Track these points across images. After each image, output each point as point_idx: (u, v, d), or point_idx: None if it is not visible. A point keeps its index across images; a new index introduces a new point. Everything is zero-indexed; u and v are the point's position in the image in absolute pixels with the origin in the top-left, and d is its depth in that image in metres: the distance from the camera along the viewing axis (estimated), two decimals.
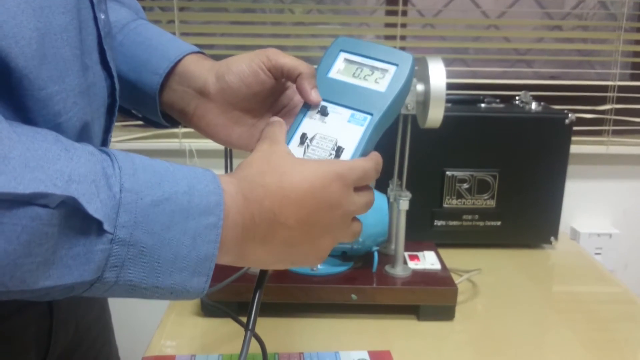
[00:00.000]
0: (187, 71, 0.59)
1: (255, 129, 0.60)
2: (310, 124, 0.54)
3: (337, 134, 0.53)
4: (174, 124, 0.65)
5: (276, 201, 0.45)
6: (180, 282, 0.42)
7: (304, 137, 0.53)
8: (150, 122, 0.66)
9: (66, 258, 0.38)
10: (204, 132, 0.60)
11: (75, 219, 0.37)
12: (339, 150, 0.52)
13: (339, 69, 0.56)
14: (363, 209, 0.51)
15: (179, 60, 0.60)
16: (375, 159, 0.52)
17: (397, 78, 0.55)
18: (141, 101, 0.61)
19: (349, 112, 0.54)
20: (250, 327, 0.51)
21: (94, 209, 0.37)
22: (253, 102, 0.58)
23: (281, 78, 0.58)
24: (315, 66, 0.57)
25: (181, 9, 1.44)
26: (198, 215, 0.42)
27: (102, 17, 0.50)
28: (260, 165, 0.48)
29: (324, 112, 0.55)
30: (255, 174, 0.47)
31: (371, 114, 0.54)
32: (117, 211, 0.38)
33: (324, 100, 0.55)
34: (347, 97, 0.55)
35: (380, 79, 0.55)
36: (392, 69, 0.55)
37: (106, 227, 0.38)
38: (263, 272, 0.53)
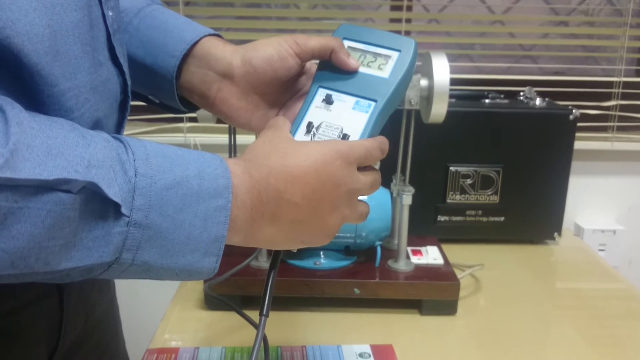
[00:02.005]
0: (207, 53, 0.59)
1: (270, 113, 0.60)
2: (315, 112, 0.55)
3: (342, 122, 0.54)
4: (192, 109, 0.64)
5: (281, 179, 0.47)
6: (192, 263, 0.44)
7: (310, 125, 0.54)
8: (167, 108, 0.66)
9: (86, 240, 0.39)
10: (224, 114, 0.60)
11: (95, 203, 0.39)
12: (344, 138, 0.53)
13: None
14: (369, 189, 0.52)
15: (196, 43, 0.59)
16: (379, 139, 0.52)
17: (400, 63, 0.55)
18: (158, 86, 0.61)
19: (354, 99, 0.55)
20: (264, 313, 0.51)
21: (113, 193, 0.39)
22: (274, 86, 0.59)
23: (312, 59, 0.58)
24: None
25: (187, 4, 1.44)
26: (208, 197, 0.43)
27: (110, 14, 0.50)
28: (263, 148, 0.49)
29: (328, 101, 0.55)
30: (259, 156, 0.48)
31: (375, 101, 0.54)
32: (133, 195, 0.40)
33: (329, 88, 0.56)
34: (351, 84, 0.55)
35: (384, 65, 0.56)
36: (394, 54, 0.56)
37: (123, 210, 0.39)
38: (276, 253, 0.54)
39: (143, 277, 0.44)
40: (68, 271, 0.40)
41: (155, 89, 0.62)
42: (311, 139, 0.53)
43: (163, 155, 0.42)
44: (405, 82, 0.56)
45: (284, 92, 0.61)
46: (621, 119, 1.48)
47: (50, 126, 0.38)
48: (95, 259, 0.40)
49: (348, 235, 0.97)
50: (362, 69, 0.56)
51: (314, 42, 0.57)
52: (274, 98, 0.60)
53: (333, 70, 0.56)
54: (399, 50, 0.56)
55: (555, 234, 1.25)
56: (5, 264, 0.36)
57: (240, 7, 1.47)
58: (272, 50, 0.57)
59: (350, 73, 0.56)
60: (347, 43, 0.57)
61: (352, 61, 0.56)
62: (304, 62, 0.58)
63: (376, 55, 0.56)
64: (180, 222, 0.42)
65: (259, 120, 0.60)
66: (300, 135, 0.54)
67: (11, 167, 0.34)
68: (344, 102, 0.55)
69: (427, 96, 0.88)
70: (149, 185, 0.40)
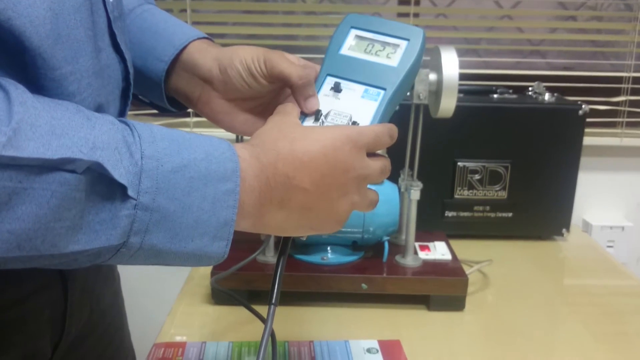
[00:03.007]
0: (192, 58, 0.60)
1: (259, 116, 0.60)
2: (324, 100, 0.55)
3: (351, 110, 0.53)
4: (181, 108, 0.65)
5: (289, 164, 0.46)
6: (201, 247, 0.43)
7: (318, 113, 0.54)
8: (157, 108, 0.67)
9: (93, 223, 0.39)
10: (208, 117, 0.61)
11: (101, 185, 0.39)
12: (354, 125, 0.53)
13: (351, 46, 0.57)
14: (378, 175, 0.51)
15: (185, 47, 0.60)
16: (388, 125, 0.52)
17: (409, 52, 0.55)
18: (147, 87, 0.62)
19: (362, 87, 0.55)
20: (273, 302, 0.51)
21: (118, 175, 0.38)
22: (256, 94, 0.59)
23: (278, 84, 0.57)
24: (318, 65, 0.57)
25: None
26: (216, 181, 0.43)
27: (111, 0, 0.50)
28: (271, 133, 0.49)
29: (337, 89, 0.55)
30: (267, 141, 0.48)
31: (384, 89, 0.54)
32: (140, 177, 0.39)
33: (337, 76, 0.55)
34: (360, 73, 0.55)
35: (392, 54, 0.55)
36: (403, 43, 0.56)
37: (130, 192, 0.39)
38: (285, 240, 0.53)
39: (152, 263, 0.43)
40: (76, 255, 0.39)
41: (145, 90, 0.63)
42: None
43: (170, 139, 0.42)
44: (413, 70, 0.56)
45: (273, 98, 0.60)
46: (630, 114, 1.47)
47: (55, 107, 0.38)
48: (103, 242, 0.39)
49: (356, 230, 0.97)
50: (370, 58, 0.56)
51: (282, 68, 0.55)
52: (258, 104, 0.60)
53: (341, 59, 0.56)
54: (407, 39, 0.56)
55: (564, 230, 1.24)
56: (11, 245, 0.35)
57: (246, 1, 1.46)
58: (244, 66, 0.57)
59: (359, 61, 0.55)
60: (355, 32, 0.57)
61: (308, 104, 0.54)
62: (273, 84, 0.57)
63: (384, 44, 0.56)
64: (189, 206, 0.41)
65: (242, 125, 0.60)
66: (309, 123, 0.54)
67: (14, 146, 0.34)
68: (352, 91, 0.55)
69: (436, 90, 0.87)
70: (155, 167, 0.40)
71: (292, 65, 0.55)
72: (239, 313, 0.91)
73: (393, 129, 0.52)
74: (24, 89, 0.37)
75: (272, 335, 0.69)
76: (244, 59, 0.57)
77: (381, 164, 0.51)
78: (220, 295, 0.94)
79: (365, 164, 0.50)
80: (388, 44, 0.56)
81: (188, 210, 0.42)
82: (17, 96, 0.36)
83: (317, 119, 0.53)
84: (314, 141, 0.47)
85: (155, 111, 0.68)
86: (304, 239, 0.55)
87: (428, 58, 0.91)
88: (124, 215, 0.39)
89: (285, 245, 0.53)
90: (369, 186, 0.52)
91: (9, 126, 0.34)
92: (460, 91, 0.93)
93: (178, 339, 0.86)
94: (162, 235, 0.41)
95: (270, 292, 0.51)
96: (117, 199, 0.39)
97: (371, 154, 0.51)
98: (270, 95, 0.60)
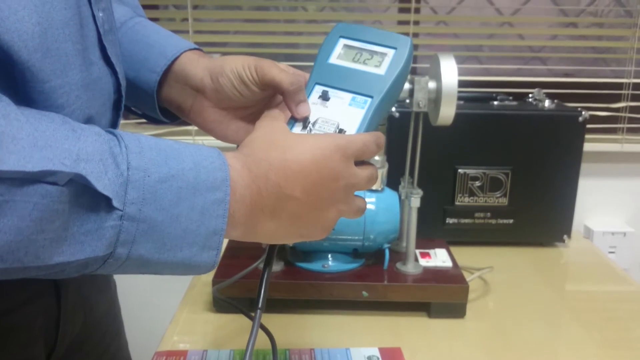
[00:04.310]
0: (183, 69, 0.60)
1: (251, 124, 0.60)
2: (312, 108, 0.55)
3: (338, 117, 0.54)
4: (173, 119, 0.66)
5: (281, 174, 0.47)
6: (190, 257, 0.43)
7: (306, 121, 0.54)
8: (150, 119, 0.67)
9: (78, 234, 0.39)
10: (201, 127, 0.62)
11: (85, 197, 0.39)
12: (340, 132, 0.53)
13: (339, 55, 0.57)
14: (365, 183, 0.52)
15: (176, 58, 0.61)
16: (375, 134, 0.53)
17: (396, 61, 0.56)
18: (140, 98, 0.63)
19: (350, 95, 0.55)
20: (259, 306, 0.52)
21: (102, 186, 0.38)
22: (247, 102, 0.59)
23: (270, 91, 0.58)
24: (308, 72, 0.58)
25: (195, 7, 1.44)
26: (205, 191, 0.43)
27: (101, 14, 0.50)
28: (262, 141, 0.49)
29: (325, 97, 0.55)
30: (258, 150, 0.48)
31: (371, 97, 0.55)
32: (126, 188, 0.39)
33: (325, 85, 0.56)
34: (348, 81, 0.56)
35: (380, 62, 0.56)
36: (390, 52, 0.56)
37: (115, 203, 0.39)
38: (271, 249, 0.54)
39: (142, 272, 0.44)
40: (62, 266, 0.39)
41: (137, 101, 0.64)
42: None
43: (158, 149, 0.42)
44: (401, 79, 0.56)
45: (264, 106, 0.61)
46: (631, 120, 1.48)
47: (40, 119, 0.38)
48: (88, 253, 0.39)
49: (356, 237, 0.97)
50: (358, 66, 0.56)
51: (274, 74, 0.55)
52: (250, 112, 0.61)
53: (329, 67, 0.57)
54: (394, 48, 0.56)
55: (565, 237, 1.24)
56: None
57: (248, 10, 1.47)
58: (235, 74, 0.57)
59: (347, 70, 0.56)
60: (344, 41, 0.58)
61: (299, 110, 0.54)
62: (264, 91, 0.58)
63: (372, 52, 0.57)
64: (177, 216, 0.42)
65: (235, 133, 0.61)
66: (297, 130, 0.54)
67: None
68: (340, 99, 0.55)
69: (435, 98, 0.88)
70: (142, 178, 0.40)
71: (282, 72, 0.56)
72: (240, 321, 0.92)
73: (380, 137, 0.53)
74: (8, 101, 0.37)
75: (273, 342, 0.70)
76: (235, 67, 0.57)
77: (368, 172, 0.52)
78: (222, 303, 0.94)
79: (354, 172, 0.50)
80: (376, 52, 0.57)
81: (176, 220, 0.42)
82: (0, 109, 0.36)
83: (305, 127, 0.54)
84: (306, 150, 0.48)
85: (154, 121, 0.69)
86: (290, 245, 0.56)
87: (428, 66, 0.91)
88: (109, 226, 0.39)
89: (270, 255, 0.54)
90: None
91: None
92: (460, 98, 0.94)
93: (180, 347, 0.86)
94: (150, 246, 0.41)
95: (256, 297, 0.53)
96: (102, 210, 0.39)
97: (359, 162, 0.51)
98: (261, 103, 0.60)
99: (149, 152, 0.41)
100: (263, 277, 0.53)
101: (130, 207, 0.40)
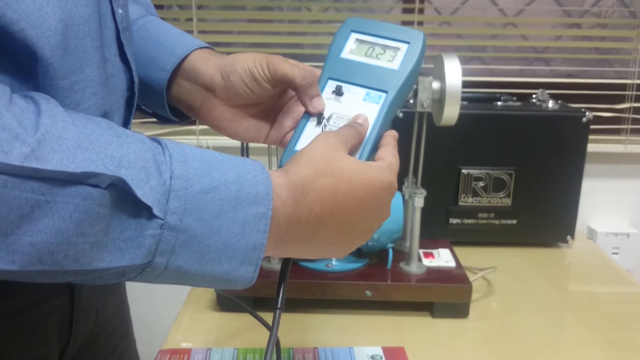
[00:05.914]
0: (193, 68, 0.60)
1: (263, 121, 0.60)
2: (326, 104, 0.55)
3: (353, 113, 0.54)
4: (183, 118, 0.66)
5: (326, 207, 0.46)
6: (229, 271, 0.42)
7: (320, 117, 0.54)
8: (160, 118, 0.67)
9: (118, 241, 0.38)
10: (211, 125, 0.61)
11: (127, 203, 0.38)
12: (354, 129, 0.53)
13: (351, 49, 0.57)
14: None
15: (186, 56, 0.60)
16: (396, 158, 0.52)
17: (410, 55, 0.55)
18: (150, 97, 0.62)
19: (364, 90, 0.55)
20: (279, 306, 0.50)
21: (142, 194, 0.38)
22: (257, 101, 0.59)
23: (283, 87, 0.58)
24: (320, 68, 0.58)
25: (199, 7, 1.45)
26: (247, 204, 0.42)
27: (120, 11, 0.51)
28: (318, 164, 0.46)
29: (339, 92, 0.55)
30: (310, 177, 0.46)
31: (386, 92, 0.54)
32: (168, 197, 0.39)
33: (338, 80, 0.56)
34: (361, 76, 0.55)
35: (393, 57, 0.56)
36: (403, 46, 0.56)
37: (156, 212, 0.38)
38: (286, 261, 0.52)
39: (179, 283, 0.43)
40: (100, 272, 0.39)
41: (147, 100, 0.63)
42: (322, 130, 0.54)
43: (201, 159, 0.41)
44: (414, 73, 0.56)
45: (275, 103, 0.61)
46: (635, 121, 1.47)
47: (86, 123, 0.38)
48: (127, 260, 0.39)
49: None
50: (371, 61, 0.56)
51: (285, 70, 0.55)
52: (267, 106, 0.61)
53: (342, 62, 0.56)
54: (407, 42, 0.56)
55: (568, 237, 1.24)
56: (33, 258, 0.35)
57: (252, 10, 1.47)
58: (247, 71, 0.57)
59: (360, 65, 0.56)
60: (355, 36, 0.57)
61: (313, 104, 0.54)
62: (276, 88, 0.58)
63: (385, 47, 0.56)
64: (217, 228, 0.41)
65: (246, 131, 0.60)
66: (311, 126, 0.54)
67: (37, 157, 0.34)
68: (354, 94, 0.55)
69: (439, 99, 0.88)
70: (184, 188, 0.39)
71: (294, 67, 0.55)
72: (244, 320, 0.92)
73: (395, 137, 0.54)
74: (56, 103, 0.37)
75: (277, 341, 0.70)
76: (247, 64, 0.57)
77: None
78: (226, 301, 0.95)
79: (390, 203, 0.51)
80: (388, 47, 0.56)
81: (216, 232, 0.41)
82: (48, 109, 0.36)
83: (319, 122, 0.54)
84: (358, 188, 0.47)
85: (164, 120, 0.69)
86: None
87: (431, 66, 0.92)
88: (149, 235, 0.39)
89: (287, 263, 0.52)
90: None
91: (33, 137, 0.34)
92: (464, 99, 0.94)
93: (184, 345, 0.86)
94: (189, 257, 0.40)
95: (275, 296, 0.51)
96: (143, 217, 0.38)
97: None
98: (272, 100, 0.60)
99: (193, 162, 0.41)
100: (284, 274, 0.51)
101: (172, 217, 0.39)
